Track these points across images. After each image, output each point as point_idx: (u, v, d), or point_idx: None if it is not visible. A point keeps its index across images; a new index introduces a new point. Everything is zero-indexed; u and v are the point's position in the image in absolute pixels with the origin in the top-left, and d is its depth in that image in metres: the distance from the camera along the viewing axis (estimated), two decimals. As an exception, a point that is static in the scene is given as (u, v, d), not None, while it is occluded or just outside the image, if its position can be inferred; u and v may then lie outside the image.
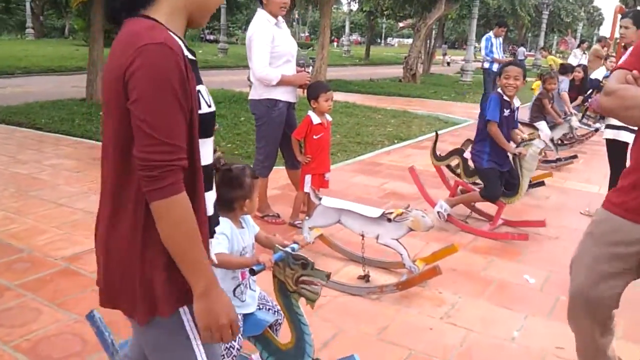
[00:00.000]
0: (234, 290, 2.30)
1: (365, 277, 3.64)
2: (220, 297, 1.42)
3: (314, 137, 4.34)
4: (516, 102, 4.66)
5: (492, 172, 4.56)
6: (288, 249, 2.15)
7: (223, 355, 2.22)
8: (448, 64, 36.02)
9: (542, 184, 5.92)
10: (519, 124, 4.90)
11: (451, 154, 5.29)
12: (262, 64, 4.23)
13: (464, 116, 11.85)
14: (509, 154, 4.57)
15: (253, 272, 2.06)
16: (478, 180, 5.00)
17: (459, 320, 3.21)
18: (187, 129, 1.36)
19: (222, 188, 2.28)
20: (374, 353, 2.85)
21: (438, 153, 5.44)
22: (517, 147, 4.54)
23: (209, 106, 1.49)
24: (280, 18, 4.32)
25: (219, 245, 2.20)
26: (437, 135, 5.55)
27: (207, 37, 48.80)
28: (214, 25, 46.16)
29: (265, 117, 4.39)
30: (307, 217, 3.96)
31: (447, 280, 3.64)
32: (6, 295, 3.23)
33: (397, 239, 3.52)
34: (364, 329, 3.08)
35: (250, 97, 4.51)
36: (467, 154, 5.20)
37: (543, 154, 5.65)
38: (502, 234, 4.59)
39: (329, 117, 4.47)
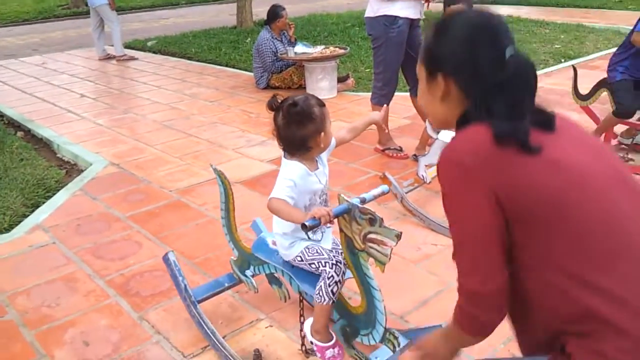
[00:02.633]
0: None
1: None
2: None
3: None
4: None
5: (623, 84, 3.91)
6: (355, 200, 1.78)
7: None
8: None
9: None
10: None
11: (597, 87, 4.15)
12: None
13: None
14: None
15: (305, 228, 1.74)
16: None
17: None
18: None
19: (291, 127, 1.94)
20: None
21: (581, 92, 4.27)
22: None
23: None
24: None
25: (281, 190, 1.90)
26: (575, 71, 4.32)
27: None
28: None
29: (382, 37, 3.88)
30: (425, 153, 3.49)
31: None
32: (114, 227, 3.31)
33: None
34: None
35: (365, 15, 4.00)
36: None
37: None
38: None
39: None
